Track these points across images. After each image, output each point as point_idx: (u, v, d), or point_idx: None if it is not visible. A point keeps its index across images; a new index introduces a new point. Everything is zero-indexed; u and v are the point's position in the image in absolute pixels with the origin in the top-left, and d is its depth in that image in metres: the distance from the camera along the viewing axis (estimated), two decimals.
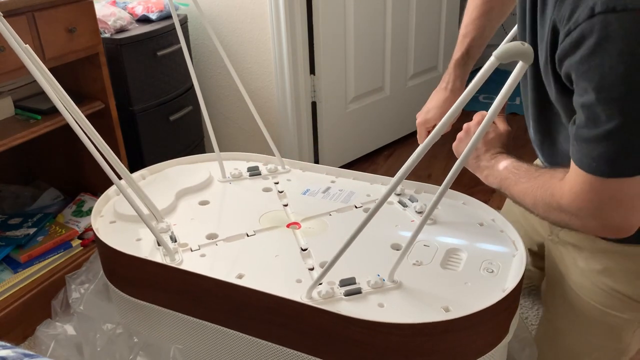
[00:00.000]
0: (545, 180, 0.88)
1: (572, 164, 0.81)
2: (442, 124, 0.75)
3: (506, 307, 0.87)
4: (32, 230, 1.64)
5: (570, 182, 0.82)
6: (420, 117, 1.21)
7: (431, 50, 2.63)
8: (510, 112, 2.88)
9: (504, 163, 0.98)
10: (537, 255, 1.25)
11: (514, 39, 1.01)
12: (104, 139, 1.00)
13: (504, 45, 0.63)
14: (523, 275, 0.90)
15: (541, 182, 0.89)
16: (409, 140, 2.60)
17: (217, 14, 2.13)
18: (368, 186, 1.21)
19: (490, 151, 1.03)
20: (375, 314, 0.83)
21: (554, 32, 0.79)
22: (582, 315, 1.04)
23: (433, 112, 1.19)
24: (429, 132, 1.20)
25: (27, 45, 0.86)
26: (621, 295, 0.99)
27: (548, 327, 1.13)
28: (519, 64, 0.65)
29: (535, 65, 0.90)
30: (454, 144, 1.09)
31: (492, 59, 0.65)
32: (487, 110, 0.74)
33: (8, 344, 0.57)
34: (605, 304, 1.01)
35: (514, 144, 2.59)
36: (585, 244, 1.03)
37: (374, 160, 2.48)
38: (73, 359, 1.08)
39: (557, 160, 0.99)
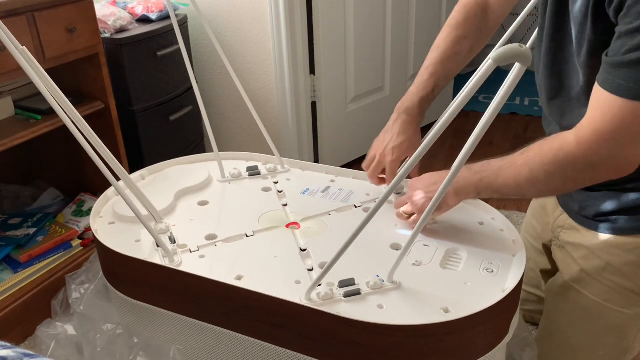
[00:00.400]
0: (539, 148, 0.87)
1: (600, 95, 0.80)
2: (443, 124, 0.75)
3: (506, 307, 0.87)
4: (32, 230, 1.64)
5: (594, 117, 0.80)
6: (393, 152, 1.12)
7: None
8: (510, 112, 2.88)
9: (466, 172, 0.95)
10: (553, 274, 1.25)
11: (510, 40, 1.01)
12: (103, 139, 1.00)
13: (502, 48, 0.63)
14: (523, 275, 0.90)
15: (535, 152, 0.87)
16: None
17: (217, 14, 2.13)
18: (368, 185, 1.21)
19: (434, 179, 1.00)
20: (374, 316, 0.83)
21: None
22: (584, 312, 1.04)
23: (407, 144, 1.13)
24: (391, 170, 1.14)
25: (24, 47, 0.86)
26: (625, 291, 0.99)
27: (550, 325, 1.13)
28: (517, 67, 0.65)
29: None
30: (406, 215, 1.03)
31: (489, 61, 0.64)
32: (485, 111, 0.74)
33: (8, 344, 0.57)
34: (610, 300, 1.00)
35: (514, 144, 2.59)
36: (585, 241, 1.03)
37: None
38: (73, 359, 1.08)
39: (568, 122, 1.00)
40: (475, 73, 0.72)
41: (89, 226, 1.12)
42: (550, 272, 1.23)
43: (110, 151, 1.01)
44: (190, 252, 1.00)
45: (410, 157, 0.75)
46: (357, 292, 0.88)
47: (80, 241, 1.68)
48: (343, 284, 0.89)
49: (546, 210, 1.21)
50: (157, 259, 0.98)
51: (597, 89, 0.81)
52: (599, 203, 0.99)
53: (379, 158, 1.14)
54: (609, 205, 0.98)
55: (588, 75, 0.90)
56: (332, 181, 1.23)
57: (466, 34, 1.14)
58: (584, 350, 1.07)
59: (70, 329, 1.10)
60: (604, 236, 1.00)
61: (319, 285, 0.87)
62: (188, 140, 2.08)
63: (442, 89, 1.16)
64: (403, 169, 0.78)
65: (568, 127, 0.92)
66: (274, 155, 1.29)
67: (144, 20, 1.91)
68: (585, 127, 0.82)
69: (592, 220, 1.01)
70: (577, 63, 0.92)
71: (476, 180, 0.93)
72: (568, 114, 0.98)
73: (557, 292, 1.10)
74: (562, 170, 0.84)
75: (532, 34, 1.10)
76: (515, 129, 2.72)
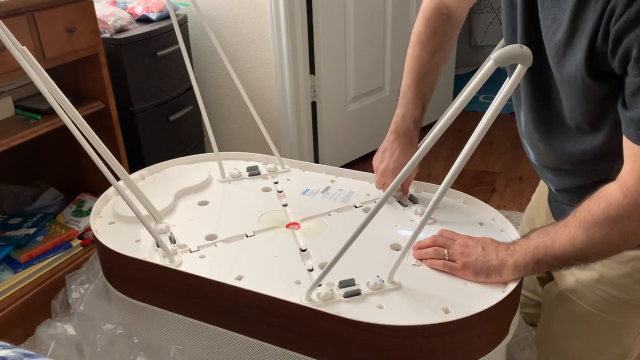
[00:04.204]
0: (588, 208, 0.83)
1: (635, 148, 0.77)
2: (443, 125, 0.75)
3: (506, 307, 0.87)
4: (32, 230, 1.64)
5: (635, 168, 0.78)
6: (394, 173, 1.10)
7: None
8: (510, 112, 2.88)
9: (522, 241, 0.91)
10: (548, 280, 1.25)
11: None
12: (103, 139, 1.00)
13: (503, 49, 0.63)
14: (522, 276, 0.90)
15: (585, 212, 0.83)
16: None
17: (217, 14, 2.13)
18: (368, 185, 1.21)
19: (492, 246, 0.93)
20: (374, 316, 0.83)
21: (607, 14, 0.75)
22: (580, 322, 1.04)
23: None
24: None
25: (24, 47, 0.86)
26: (620, 302, 0.99)
27: (547, 333, 1.13)
28: (518, 67, 0.65)
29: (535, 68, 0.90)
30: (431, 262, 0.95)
31: (490, 62, 0.64)
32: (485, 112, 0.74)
33: (8, 344, 0.57)
34: (605, 310, 1.01)
35: (514, 143, 2.58)
36: None
37: None
38: (73, 359, 1.08)
39: (553, 160, 0.99)
40: (476, 73, 0.72)
41: (89, 226, 1.12)
42: (545, 279, 1.23)
43: (110, 151, 1.01)
44: (190, 252, 1.00)
45: (404, 172, 0.74)
46: (357, 293, 0.88)
47: (80, 241, 1.68)
48: (343, 284, 0.89)
49: (535, 224, 1.21)
50: (157, 259, 0.98)
51: (629, 144, 0.79)
52: None
53: (379, 177, 1.15)
54: None
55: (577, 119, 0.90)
56: (332, 181, 1.23)
57: (438, 46, 1.14)
58: (581, 356, 1.07)
59: (70, 329, 1.10)
60: None
61: (319, 285, 0.87)
62: (188, 140, 2.08)
63: (429, 102, 1.16)
64: (404, 168, 0.79)
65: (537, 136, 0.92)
66: (274, 155, 1.29)
67: (144, 20, 1.91)
68: (628, 179, 0.79)
69: None
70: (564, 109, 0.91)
71: (532, 246, 0.88)
72: (563, 140, 0.96)
73: (553, 302, 1.10)
74: (617, 226, 0.81)
75: None
76: (515, 129, 2.71)
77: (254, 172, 1.26)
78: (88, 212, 1.75)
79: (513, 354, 1.06)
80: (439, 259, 0.93)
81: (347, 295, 0.87)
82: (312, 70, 2.19)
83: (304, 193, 1.18)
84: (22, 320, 1.50)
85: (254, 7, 2.06)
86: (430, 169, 2.35)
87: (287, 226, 1.07)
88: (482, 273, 0.89)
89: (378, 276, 0.90)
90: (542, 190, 1.24)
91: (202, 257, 0.99)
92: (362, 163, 2.44)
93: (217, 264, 0.97)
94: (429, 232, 1.01)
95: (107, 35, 1.74)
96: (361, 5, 2.21)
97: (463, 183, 2.24)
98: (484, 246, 0.91)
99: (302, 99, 2.19)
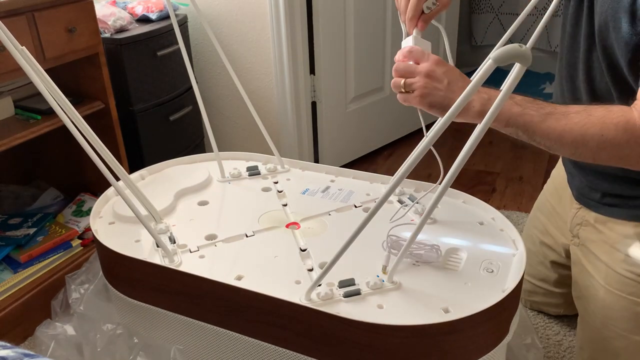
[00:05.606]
0: (603, 118, 0.80)
1: None
2: (442, 126, 0.75)
3: (506, 307, 0.87)
4: (32, 230, 1.64)
5: None
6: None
7: (431, 50, 2.63)
8: None
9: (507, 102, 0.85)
10: (564, 267, 1.25)
11: (510, 40, 1.01)
12: (103, 139, 1.00)
13: (502, 48, 0.63)
14: (523, 275, 0.90)
15: (597, 120, 0.80)
16: (409, 140, 2.60)
17: (217, 14, 2.13)
18: (367, 185, 1.21)
19: (460, 83, 0.88)
20: (374, 316, 0.83)
21: None
22: (614, 310, 1.03)
23: None
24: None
25: (24, 47, 0.86)
26: None
27: (587, 332, 1.12)
28: (517, 67, 0.65)
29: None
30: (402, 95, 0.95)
31: (489, 61, 0.64)
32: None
33: (8, 344, 0.57)
34: (635, 293, 1.00)
35: (514, 143, 2.56)
36: (605, 236, 1.03)
37: (374, 160, 2.48)
38: (73, 359, 1.08)
39: None
40: (475, 73, 0.72)
41: (89, 226, 1.12)
42: (561, 264, 1.23)
43: (110, 151, 1.01)
44: (190, 252, 1.00)
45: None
46: (357, 292, 0.88)
47: (80, 241, 1.68)
48: (343, 284, 0.89)
49: (557, 211, 1.20)
50: (157, 259, 0.98)
51: None
52: (625, 186, 0.99)
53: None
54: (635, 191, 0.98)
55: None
56: (332, 181, 1.23)
57: None
58: (621, 351, 1.06)
59: (70, 329, 1.10)
60: (624, 228, 1.00)
61: (319, 285, 0.87)
62: (188, 140, 2.08)
63: None
64: (402, 169, 0.79)
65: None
66: (274, 155, 1.29)
67: (144, 20, 1.91)
68: None
69: (614, 207, 1.01)
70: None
71: (516, 112, 0.83)
72: None
73: (580, 295, 1.10)
74: (618, 149, 0.79)
75: (532, 34, 1.10)
76: None
77: (253, 172, 1.26)
78: (88, 212, 1.75)
79: (517, 355, 1.06)
80: (399, 92, 0.89)
81: (347, 295, 0.87)
82: (312, 70, 2.19)
83: (303, 193, 1.18)
84: (22, 320, 1.50)
85: (254, 7, 2.06)
86: (430, 169, 2.35)
87: (287, 226, 1.07)
88: (438, 107, 0.86)
89: (378, 276, 0.90)
90: (560, 179, 1.24)
91: (202, 257, 0.99)
92: (362, 163, 2.44)
93: (217, 264, 0.97)
94: (429, 232, 1.02)
95: (107, 35, 1.74)
96: (361, 5, 2.21)
97: (463, 183, 2.24)
98: (450, 81, 0.86)
99: (302, 99, 2.19)
